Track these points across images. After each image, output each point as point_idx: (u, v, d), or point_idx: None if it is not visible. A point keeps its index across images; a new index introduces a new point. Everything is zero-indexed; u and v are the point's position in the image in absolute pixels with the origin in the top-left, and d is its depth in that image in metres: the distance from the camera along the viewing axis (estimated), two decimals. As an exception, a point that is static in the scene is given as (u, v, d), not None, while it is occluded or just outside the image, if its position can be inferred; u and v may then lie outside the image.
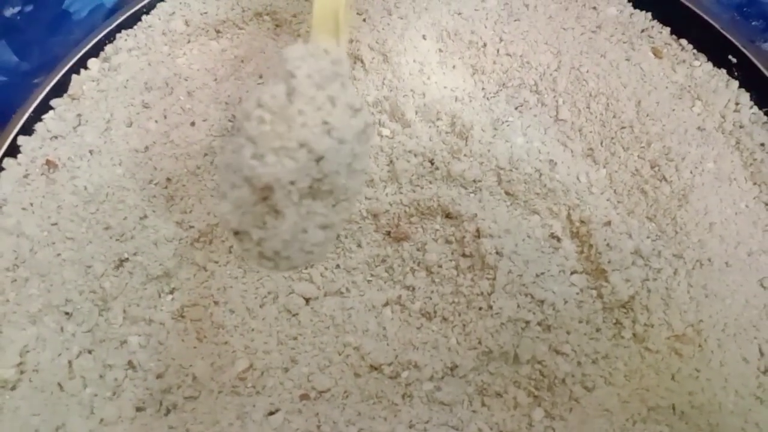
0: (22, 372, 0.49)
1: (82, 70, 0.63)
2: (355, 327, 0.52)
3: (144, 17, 0.66)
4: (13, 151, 0.57)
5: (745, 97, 0.60)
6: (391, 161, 0.56)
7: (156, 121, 0.60)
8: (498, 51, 0.62)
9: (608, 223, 0.54)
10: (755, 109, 0.60)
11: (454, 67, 0.62)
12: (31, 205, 0.54)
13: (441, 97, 0.59)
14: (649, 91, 0.60)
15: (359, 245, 0.55)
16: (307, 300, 0.53)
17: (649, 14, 0.66)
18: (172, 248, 0.54)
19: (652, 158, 0.57)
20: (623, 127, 0.58)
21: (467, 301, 0.52)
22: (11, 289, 0.51)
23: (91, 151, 0.58)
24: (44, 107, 0.60)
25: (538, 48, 0.62)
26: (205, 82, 0.63)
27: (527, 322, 0.50)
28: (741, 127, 0.59)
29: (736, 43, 0.61)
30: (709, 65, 0.63)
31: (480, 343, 0.50)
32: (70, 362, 0.50)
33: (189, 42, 0.66)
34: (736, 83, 0.61)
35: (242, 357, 0.51)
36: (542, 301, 0.51)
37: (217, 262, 0.55)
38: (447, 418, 0.48)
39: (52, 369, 0.49)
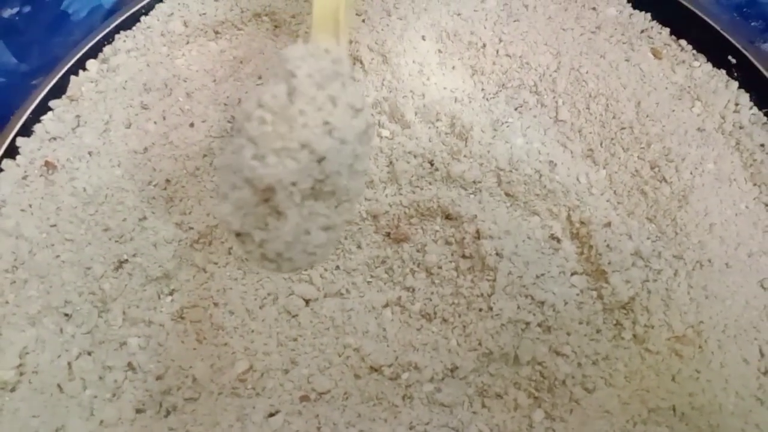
0: (21, 374, 0.49)
1: (81, 72, 0.63)
2: (355, 328, 0.52)
3: (143, 18, 0.66)
4: (11, 152, 0.57)
5: (744, 97, 0.60)
6: (390, 162, 0.56)
7: (155, 123, 0.60)
8: (497, 52, 0.62)
9: (608, 224, 0.54)
10: (755, 109, 0.60)
11: (453, 67, 0.62)
12: (30, 206, 0.54)
13: (440, 98, 0.59)
14: (648, 91, 0.60)
15: (359, 246, 0.55)
16: (307, 301, 0.53)
17: (649, 15, 0.66)
18: (171, 250, 0.54)
19: (652, 159, 0.57)
20: (623, 128, 0.58)
21: (467, 302, 0.52)
22: (10, 290, 0.51)
23: (90, 153, 0.58)
24: (43, 108, 0.60)
25: (537, 49, 0.62)
26: (204, 83, 0.63)
27: (527, 324, 0.50)
28: (741, 127, 0.59)
29: (736, 44, 0.61)
30: (709, 66, 0.63)
31: (480, 344, 0.50)
32: (69, 364, 0.50)
33: (188, 43, 0.66)
34: (735, 84, 0.61)
35: (242, 358, 0.51)
36: (542, 303, 0.51)
37: (216, 264, 0.55)
38: (447, 419, 0.48)
39: (52, 370, 0.49)
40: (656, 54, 0.63)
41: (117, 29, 0.65)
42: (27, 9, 0.62)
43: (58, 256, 0.52)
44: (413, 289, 0.53)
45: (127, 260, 0.53)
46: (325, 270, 0.55)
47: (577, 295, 0.52)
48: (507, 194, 0.56)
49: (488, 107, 0.60)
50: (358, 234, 0.55)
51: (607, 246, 0.53)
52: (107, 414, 0.48)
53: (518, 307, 0.50)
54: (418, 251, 0.54)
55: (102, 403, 0.49)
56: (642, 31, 0.65)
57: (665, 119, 0.58)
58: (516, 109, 0.60)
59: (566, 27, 0.64)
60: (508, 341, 0.50)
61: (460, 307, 0.52)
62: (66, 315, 0.51)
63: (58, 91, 0.61)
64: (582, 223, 0.54)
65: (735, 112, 0.60)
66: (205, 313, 0.53)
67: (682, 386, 0.48)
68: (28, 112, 0.59)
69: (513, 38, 0.62)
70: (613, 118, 0.59)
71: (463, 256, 0.53)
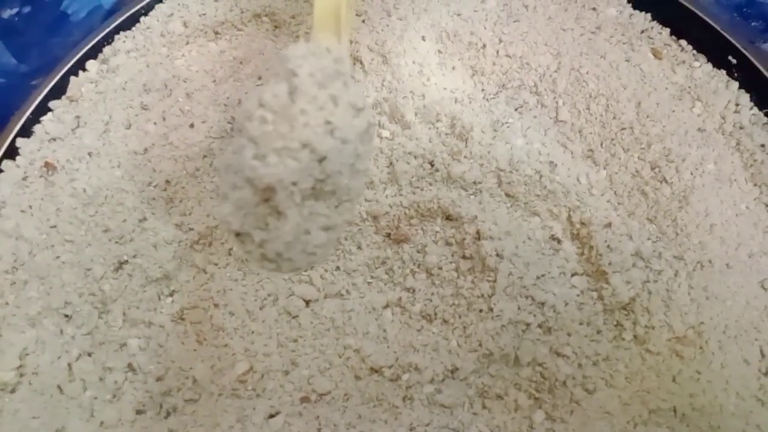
0: (21, 375, 0.49)
1: (81, 72, 0.63)
2: (356, 329, 0.52)
3: (142, 19, 0.66)
4: (11, 153, 0.57)
5: (745, 98, 0.60)
6: (390, 163, 0.56)
7: (155, 123, 0.60)
8: (497, 52, 0.62)
9: (609, 225, 0.54)
10: (755, 110, 0.60)
11: (453, 68, 0.62)
12: (30, 207, 0.54)
13: (441, 99, 0.59)
14: (649, 92, 0.60)
15: (359, 247, 0.55)
16: (307, 302, 0.53)
17: (649, 15, 0.66)
18: (171, 250, 0.54)
19: (652, 159, 0.57)
20: (623, 129, 0.58)
21: (468, 303, 0.52)
22: (10, 291, 0.51)
23: (89, 153, 0.57)
24: (43, 109, 0.60)
25: (537, 49, 0.62)
26: (204, 83, 0.63)
27: (528, 324, 0.50)
28: (741, 128, 0.59)
29: (736, 44, 0.61)
30: (709, 66, 0.63)
31: (480, 345, 0.50)
32: (69, 365, 0.50)
33: (187, 43, 0.66)
34: (736, 84, 0.61)
35: (242, 359, 0.51)
36: (543, 303, 0.51)
37: (216, 265, 0.55)
38: (448, 420, 0.48)
39: (52, 372, 0.49)
40: (656, 54, 0.63)
41: (117, 30, 0.65)
42: (27, 9, 0.61)
43: (58, 257, 0.52)
44: (413, 290, 0.53)
45: (127, 261, 0.53)
46: (326, 271, 0.54)
47: (578, 295, 0.52)
48: (507, 195, 0.56)
49: (488, 108, 0.60)
50: (359, 235, 0.55)
51: (608, 247, 0.53)
52: (107, 415, 0.48)
53: (519, 308, 0.50)
54: (418, 252, 0.54)
55: (102, 404, 0.49)
56: (642, 32, 0.65)
57: (665, 119, 0.58)
58: (516, 110, 0.60)
59: (566, 27, 0.64)
60: (508, 342, 0.50)
61: (461, 308, 0.52)
62: (66, 316, 0.51)
63: (58, 91, 0.61)
64: (582, 223, 0.54)
65: (735, 112, 0.60)
66: (205, 314, 0.53)
67: (682, 387, 0.48)
68: (28, 112, 0.59)
69: (513, 39, 0.62)
70: (614, 118, 0.59)
71: (464, 257, 0.53)
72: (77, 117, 0.60)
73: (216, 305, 0.53)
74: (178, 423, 0.49)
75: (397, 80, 0.59)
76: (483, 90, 0.61)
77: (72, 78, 0.62)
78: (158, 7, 0.67)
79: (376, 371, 0.50)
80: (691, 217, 0.54)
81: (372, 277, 0.55)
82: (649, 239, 0.54)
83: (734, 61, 0.61)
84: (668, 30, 0.65)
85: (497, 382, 0.50)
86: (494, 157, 0.56)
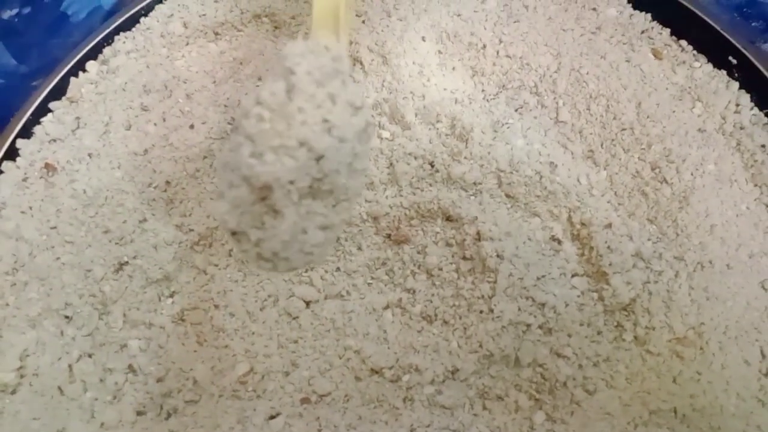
0: (22, 376, 0.49)
1: (81, 73, 0.63)
2: (356, 330, 0.52)
3: (142, 19, 0.66)
4: (12, 154, 0.57)
5: (745, 98, 0.60)
6: (391, 164, 0.56)
7: (155, 124, 0.60)
8: (498, 52, 0.62)
9: (609, 226, 0.54)
10: (756, 110, 0.60)
11: (453, 68, 0.62)
12: (30, 208, 0.54)
13: (441, 99, 0.59)
14: (649, 92, 0.60)
15: (359, 248, 0.55)
16: (308, 303, 0.53)
17: (649, 15, 0.66)
18: (171, 252, 0.54)
19: (652, 160, 0.57)
20: (623, 129, 0.58)
21: (468, 304, 0.52)
22: (11, 293, 0.51)
23: (90, 155, 0.57)
24: (43, 110, 0.60)
25: (537, 49, 0.62)
26: (204, 84, 0.63)
27: (528, 325, 0.50)
28: (741, 128, 0.59)
29: (736, 44, 0.61)
30: (710, 66, 0.63)
31: (481, 346, 0.50)
32: (70, 366, 0.50)
33: (187, 44, 0.66)
34: (736, 84, 0.61)
35: (243, 361, 0.51)
36: (543, 304, 0.50)
37: (217, 266, 0.55)
38: (448, 421, 0.48)
39: (53, 373, 0.49)
40: (657, 54, 0.63)
41: (117, 30, 0.65)
42: (27, 10, 0.61)
43: (58, 258, 0.52)
44: (414, 291, 0.53)
45: (127, 262, 0.53)
46: (326, 272, 0.54)
47: (578, 296, 0.52)
48: (507, 196, 0.56)
49: (488, 108, 0.59)
50: (359, 236, 0.55)
51: (608, 247, 0.53)
52: (108, 416, 0.48)
53: (519, 309, 0.50)
54: (418, 253, 0.54)
55: (103, 406, 0.49)
56: (642, 32, 0.65)
57: (666, 120, 0.58)
58: (516, 110, 0.60)
59: (566, 28, 0.64)
60: (508, 343, 0.50)
61: (461, 308, 0.52)
62: (66, 317, 0.51)
63: (58, 92, 0.61)
64: (583, 224, 0.54)
65: (736, 112, 0.60)
66: (205, 315, 0.53)
67: (683, 388, 0.48)
68: (28, 113, 0.59)
69: (513, 39, 0.62)
70: (614, 119, 0.59)
71: (464, 258, 0.53)
72: (77, 118, 0.60)
73: (216, 306, 0.53)
74: (178, 424, 0.49)
75: (397, 81, 0.59)
76: (483, 90, 0.61)
77: (72, 79, 0.62)
78: (158, 7, 0.67)
79: (377, 372, 0.50)
80: (692, 218, 0.54)
81: (372, 278, 0.55)
82: (649, 240, 0.54)
83: (734, 61, 0.61)
84: (668, 30, 0.65)
85: (498, 383, 0.50)
86: (494, 158, 0.56)
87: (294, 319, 0.53)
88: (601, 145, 0.58)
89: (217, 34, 0.67)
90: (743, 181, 0.57)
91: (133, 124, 0.60)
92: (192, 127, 0.60)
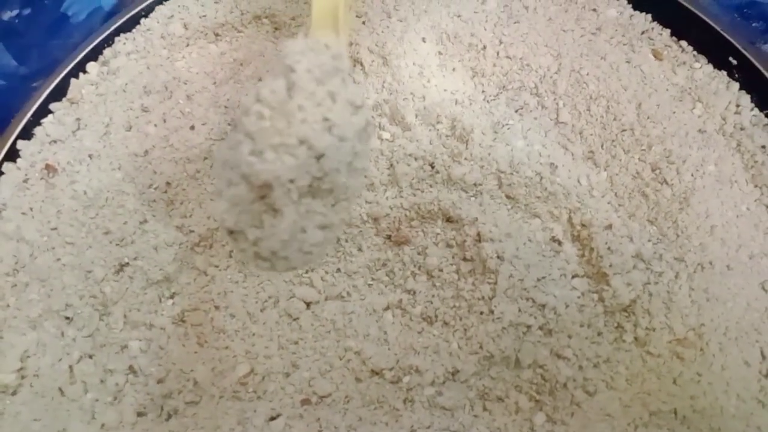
0: (22, 377, 0.49)
1: (81, 74, 0.63)
2: (356, 331, 0.52)
3: (143, 20, 0.66)
4: (12, 155, 0.57)
5: (745, 99, 0.60)
6: (391, 165, 0.56)
7: (155, 125, 0.60)
8: (498, 53, 0.62)
9: (609, 227, 0.54)
10: (756, 111, 0.60)
11: (453, 69, 0.62)
12: (31, 209, 0.54)
13: (441, 100, 0.59)
14: (649, 93, 0.60)
15: (360, 249, 0.55)
16: (308, 304, 0.53)
17: (649, 16, 0.66)
18: (172, 253, 0.54)
19: (652, 161, 0.57)
20: (624, 130, 0.58)
21: (468, 305, 0.52)
22: (11, 294, 0.51)
23: (90, 156, 0.57)
24: (43, 111, 0.60)
25: (538, 50, 0.62)
26: (205, 85, 0.63)
27: (528, 327, 0.50)
28: (742, 129, 0.59)
29: (737, 45, 0.61)
30: (710, 67, 0.63)
31: (481, 347, 0.50)
32: (70, 367, 0.50)
33: (188, 45, 0.66)
34: (736, 85, 0.61)
35: (243, 362, 0.51)
36: (543, 305, 0.50)
37: (217, 267, 0.55)
38: (448, 423, 0.48)
39: (53, 374, 0.49)
40: (657, 55, 0.63)
41: (117, 31, 0.65)
42: (27, 11, 0.61)
43: (58, 260, 0.52)
44: (414, 292, 0.53)
45: (127, 263, 0.53)
46: (326, 273, 0.54)
47: (578, 297, 0.52)
48: (508, 197, 0.56)
49: (489, 109, 0.59)
50: (359, 236, 0.55)
51: (608, 248, 0.53)
52: (108, 417, 0.48)
53: (519, 310, 0.50)
54: (419, 254, 0.54)
55: (103, 407, 0.49)
56: (642, 33, 0.65)
57: (666, 121, 0.58)
58: (516, 111, 0.60)
59: (567, 28, 0.64)
60: (509, 344, 0.50)
61: (461, 310, 0.52)
62: (67, 318, 0.51)
63: (59, 93, 0.61)
64: (583, 225, 0.54)
65: (736, 113, 0.60)
66: (206, 316, 0.53)
67: (683, 389, 0.48)
68: (29, 115, 0.59)
69: (513, 40, 0.62)
70: (614, 119, 0.59)
71: (464, 259, 0.53)
72: (78, 119, 0.60)
73: (217, 307, 0.53)
74: (179, 425, 0.49)
75: (398, 82, 0.59)
76: (483, 91, 0.61)
77: (72, 80, 0.62)
78: (158, 8, 0.67)
79: (377, 373, 0.51)
80: (692, 219, 0.54)
81: (373, 279, 0.55)
82: (649, 241, 0.54)
83: (735, 62, 0.61)
84: (669, 31, 0.65)
85: (498, 384, 0.50)
86: (495, 159, 0.56)
87: (294, 320, 0.53)
88: (602, 146, 0.58)
89: (217, 35, 0.67)
90: (743, 182, 0.57)
91: (134, 125, 0.60)
92: (192, 128, 0.60)
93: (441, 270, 0.53)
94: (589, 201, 0.55)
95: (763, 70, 0.60)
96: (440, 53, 0.62)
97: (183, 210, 0.56)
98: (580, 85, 0.60)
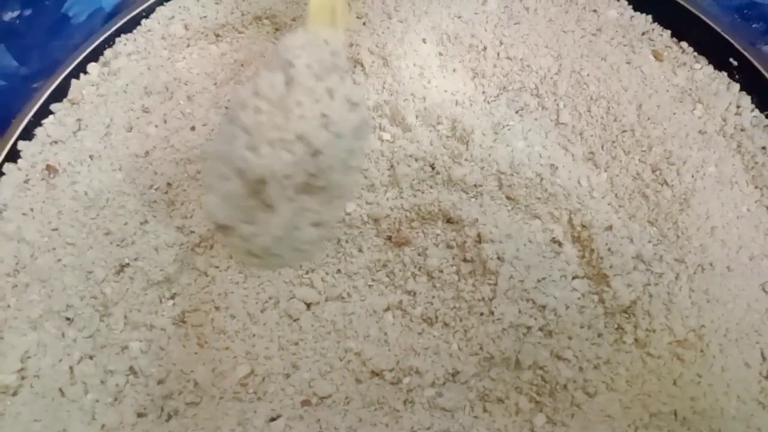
0: (23, 378, 0.49)
1: (82, 75, 0.63)
2: (357, 332, 0.52)
3: (143, 21, 0.66)
4: (13, 156, 0.57)
5: (746, 100, 0.60)
6: (391, 166, 0.56)
7: (156, 126, 0.60)
8: (498, 54, 0.62)
9: (609, 228, 0.54)
10: (756, 112, 0.60)
11: (454, 70, 0.62)
12: (32, 210, 0.54)
13: (441, 101, 0.59)
14: (649, 94, 0.60)
15: (360, 250, 0.55)
16: (308, 305, 0.53)
17: (650, 17, 0.66)
18: (172, 253, 0.54)
19: (653, 162, 0.57)
20: (624, 131, 0.58)
21: (468, 306, 0.52)
22: (12, 294, 0.51)
23: (91, 156, 0.58)
24: (44, 112, 0.60)
25: (538, 51, 0.62)
26: (205, 86, 0.63)
27: (529, 328, 0.50)
28: (742, 130, 0.59)
29: (737, 46, 0.61)
30: (710, 68, 0.63)
31: (481, 348, 0.50)
32: (71, 368, 0.50)
33: (188, 46, 0.66)
34: (737, 86, 0.61)
35: (243, 362, 0.51)
36: (544, 307, 0.50)
37: (217, 267, 0.55)
38: (449, 424, 0.48)
39: (54, 375, 0.49)
40: (657, 56, 0.63)
41: (118, 32, 0.65)
42: (28, 12, 0.61)
43: (59, 260, 0.52)
44: (414, 293, 0.53)
45: (128, 264, 0.53)
46: (326, 273, 0.54)
47: (579, 299, 0.52)
48: (508, 198, 0.56)
49: (489, 110, 0.59)
50: (359, 237, 0.55)
51: (609, 249, 0.53)
52: (109, 418, 0.48)
53: (519, 311, 0.50)
54: (419, 255, 0.54)
55: (104, 408, 0.49)
56: (643, 34, 0.65)
57: (666, 122, 0.58)
58: (517, 112, 0.60)
59: (567, 29, 0.64)
60: (509, 345, 0.50)
61: (462, 311, 0.52)
62: (67, 319, 0.51)
63: (59, 94, 0.61)
64: (583, 226, 0.54)
65: (736, 114, 0.60)
66: (206, 317, 0.53)
67: (683, 390, 0.48)
68: (30, 115, 0.59)
69: (514, 41, 0.62)
70: (614, 120, 0.59)
71: (465, 260, 0.53)
72: (78, 120, 0.60)
73: (217, 308, 0.53)
74: (179, 426, 0.49)
75: (398, 83, 0.59)
76: (484, 92, 0.61)
77: (73, 81, 0.62)
78: (159, 9, 0.67)
79: (377, 374, 0.51)
80: (692, 220, 0.54)
81: (373, 280, 0.55)
82: (650, 242, 0.54)
83: (735, 63, 0.61)
84: (669, 32, 0.65)
85: (498, 385, 0.50)
86: (495, 160, 0.56)
87: (295, 321, 0.53)
88: (602, 147, 0.58)
89: (218, 35, 0.67)
90: (744, 183, 0.57)
91: (134, 125, 0.60)
92: (193, 128, 0.60)
93: (441, 271, 0.53)
94: (590, 202, 0.55)
95: (763, 71, 0.60)
96: (441, 54, 0.62)
97: (183, 211, 0.56)
98: (580, 86, 0.60)
